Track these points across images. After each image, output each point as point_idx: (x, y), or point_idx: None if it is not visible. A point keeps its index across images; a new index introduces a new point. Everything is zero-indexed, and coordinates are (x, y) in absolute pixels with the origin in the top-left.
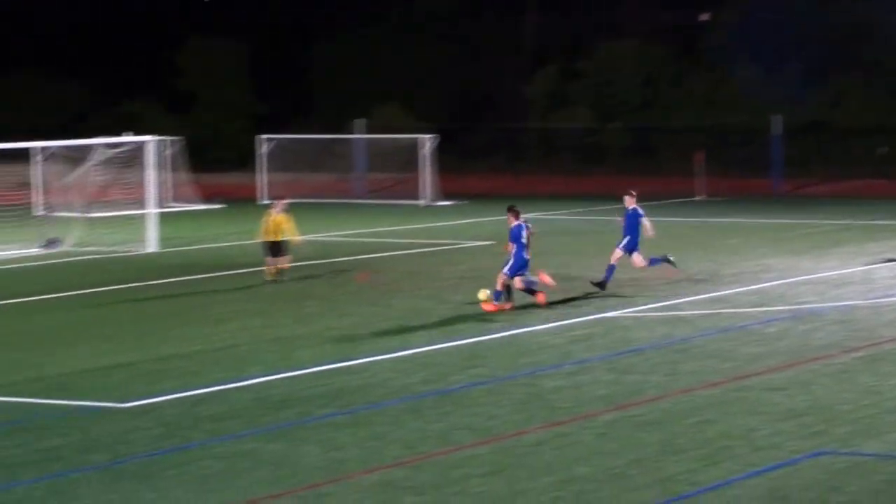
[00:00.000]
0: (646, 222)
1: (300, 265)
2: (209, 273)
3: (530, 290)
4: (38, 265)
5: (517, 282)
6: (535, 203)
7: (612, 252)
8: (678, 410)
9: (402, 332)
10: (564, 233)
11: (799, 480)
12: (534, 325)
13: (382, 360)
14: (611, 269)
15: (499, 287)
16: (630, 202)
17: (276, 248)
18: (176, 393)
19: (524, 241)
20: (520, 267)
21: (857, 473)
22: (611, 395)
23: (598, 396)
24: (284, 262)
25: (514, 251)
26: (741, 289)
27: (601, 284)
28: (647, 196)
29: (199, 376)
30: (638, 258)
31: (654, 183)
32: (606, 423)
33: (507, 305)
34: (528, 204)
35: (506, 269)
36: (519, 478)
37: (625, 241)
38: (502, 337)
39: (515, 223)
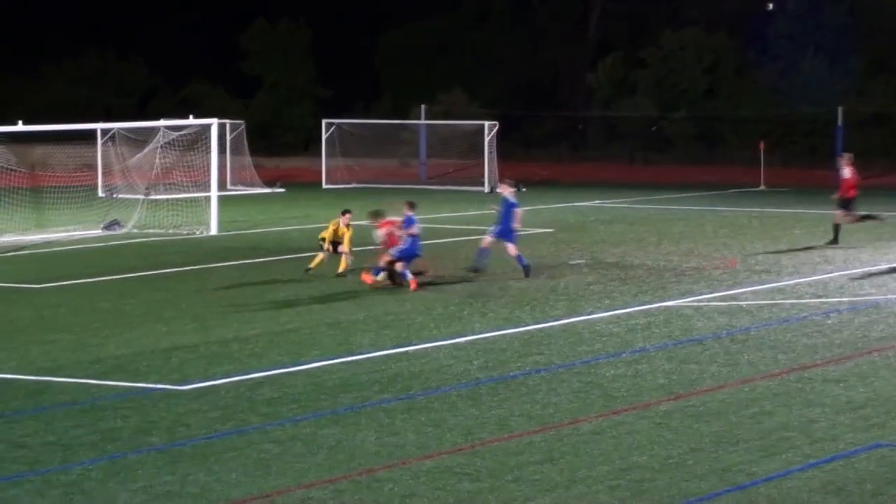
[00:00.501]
0: (518, 212)
1: (360, 249)
2: (269, 257)
3: (402, 277)
4: (100, 247)
5: (398, 265)
6: (596, 191)
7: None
8: (737, 401)
9: (462, 318)
10: (624, 221)
11: (856, 473)
12: (593, 314)
13: (441, 346)
14: (481, 252)
15: (381, 263)
16: (505, 190)
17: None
18: (234, 376)
19: (418, 233)
20: (409, 255)
21: None
22: (669, 385)
23: (656, 385)
24: (344, 263)
25: (408, 240)
26: (801, 280)
27: (475, 269)
28: (709, 185)
29: (258, 360)
30: (511, 247)
31: (717, 172)
32: (664, 413)
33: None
34: (587, 191)
35: (394, 251)
36: (576, 466)
37: (497, 228)
38: (561, 325)
39: (409, 214)
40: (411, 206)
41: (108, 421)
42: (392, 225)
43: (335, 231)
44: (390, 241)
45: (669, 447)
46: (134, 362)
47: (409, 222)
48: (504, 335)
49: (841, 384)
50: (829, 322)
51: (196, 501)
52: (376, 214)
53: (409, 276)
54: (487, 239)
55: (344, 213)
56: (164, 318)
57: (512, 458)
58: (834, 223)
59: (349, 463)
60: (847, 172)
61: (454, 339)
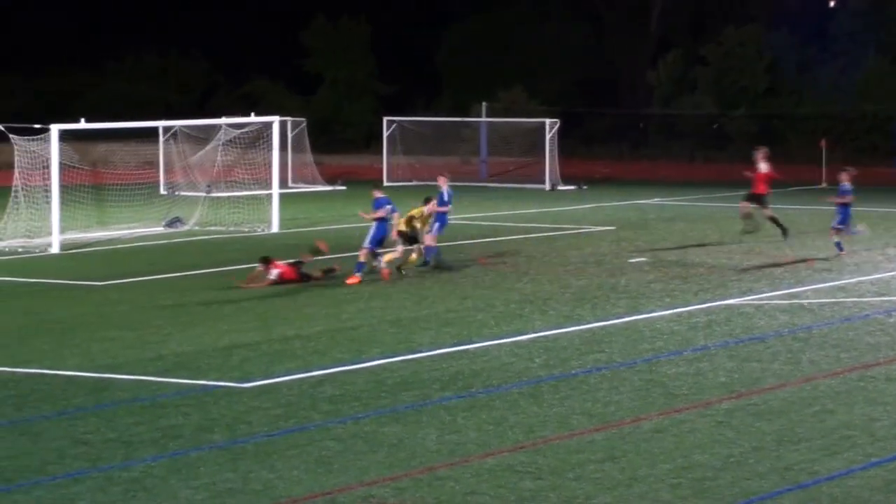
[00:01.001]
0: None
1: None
2: (330, 255)
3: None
4: (162, 244)
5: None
6: (657, 188)
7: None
8: (798, 399)
9: (523, 316)
10: (685, 219)
11: None
12: (654, 312)
13: (502, 343)
14: (429, 250)
15: (361, 258)
16: (443, 182)
17: (408, 239)
18: (295, 374)
19: (387, 216)
20: (378, 239)
21: None
22: (731, 383)
23: (717, 384)
24: (413, 254)
25: (375, 223)
26: (863, 278)
27: (426, 264)
28: (772, 184)
29: (320, 357)
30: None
31: (779, 170)
32: (726, 411)
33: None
34: (648, 189)
35: (366, 242)
36: (636, 464)
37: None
38: (622, 323)
39: (379, 196)
40: (378, 188)
41: (170, 418)
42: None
43: (411, 219)
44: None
45: (731, 446)
46: (195, 360)
47: (378, 204)
48: (565, 333)
49: None
50: (892, 320)
51: (258, 499)
52: (265, 260)
53: (383, 264)
54: (428, 238)
55: (427, 200)
56: (225, 316)
57: (573, 456)
58: (768, 217)
59: (410, 461)
60: (763, 167)
61: (515, 336)
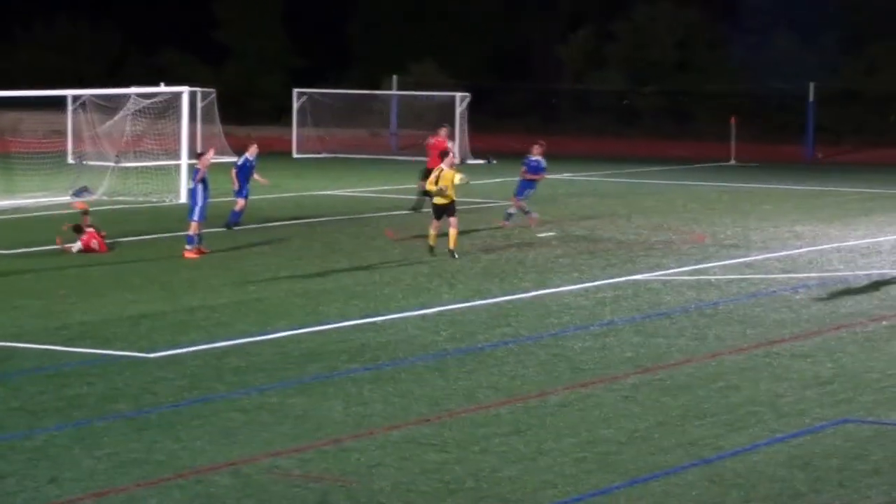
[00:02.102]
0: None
1: (329, 219)
2: (239, 226)
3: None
4: (69, 213)
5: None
6: (565, 163)
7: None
8: (704, 375)
9: (430, 289)
10: (594, 194)
11: (822, 448)
12: (562, 287)
13: (409, 316)
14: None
15: (191, 232)
16: (537, 151)
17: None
18: (201, 345)
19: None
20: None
21: (882, 442)
22: (636, 358)
23: (623, 359)
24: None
25: (200, 196)
26: (771, 255)
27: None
28: (680, 160)
29: (225, 329)
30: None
31: (688, 147)
32: (631, 386)
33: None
34: (558, 164)
35: (194, 216)
36: (542, 438)
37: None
38: (530, 297)
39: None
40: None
41: (74, 388)
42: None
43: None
44: None
45: (636, 420)
46: (101, 329)
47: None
48: (472, 307)
49: (808, 359)
50: (798, 297)
51: (162, 469)
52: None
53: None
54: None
55: (443, 155)
56: (131, 286)
57: (479, 429)
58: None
59: (316, 432)
60: (433, 139)
61: (422, 310)
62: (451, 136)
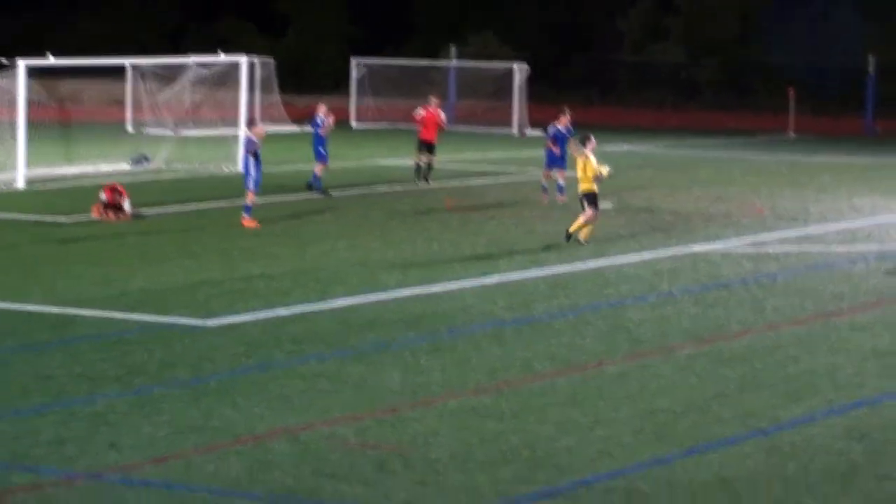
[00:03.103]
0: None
1: (387, 189)
2: (296, 195)
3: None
4: (128, 181)
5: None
6: (624, 135)
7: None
8: (762, 346)
9: (488, 258)
10: (653, 166)
11: (880, 420)
12: (620, 257)
13: (467, 286)
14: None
15: (248, 202)
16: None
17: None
18: (259, 312)
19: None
20: (257, 182)
21: None
22: (695, 329)
23: (681, 330)
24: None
25: (253, 168)
26: (829, 227)
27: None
28: (739, 132)
29: (284, 297)
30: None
31: (747, 119)
32: (689, 357)
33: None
34: (616, 136)
35: (250, 185)
36: (599, 408)
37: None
38: (588, 268)
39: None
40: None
41: (134, 355)
42: None
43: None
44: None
45: (693, 391)
46: (160, 297)
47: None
48: (531, 277)
49: (867, 331)
50: (856, 270)
51: (219, 435)
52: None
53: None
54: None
55: (585, 139)
56: (191, 253)
57: (536, 399)
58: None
59: (374, 401)
60: (423, 111)
61: (481, 279)
62: (442, 106)
